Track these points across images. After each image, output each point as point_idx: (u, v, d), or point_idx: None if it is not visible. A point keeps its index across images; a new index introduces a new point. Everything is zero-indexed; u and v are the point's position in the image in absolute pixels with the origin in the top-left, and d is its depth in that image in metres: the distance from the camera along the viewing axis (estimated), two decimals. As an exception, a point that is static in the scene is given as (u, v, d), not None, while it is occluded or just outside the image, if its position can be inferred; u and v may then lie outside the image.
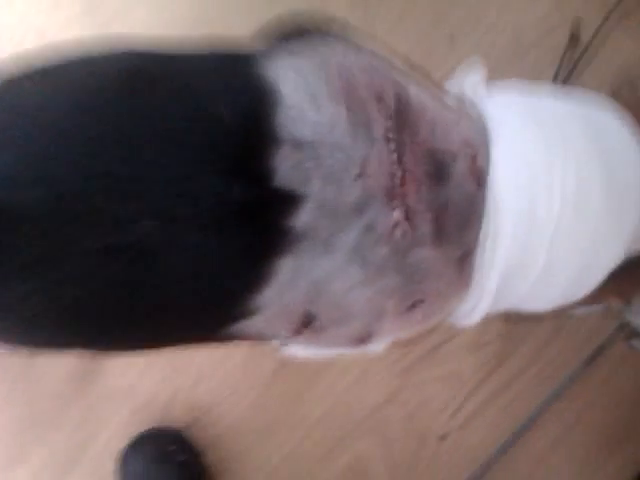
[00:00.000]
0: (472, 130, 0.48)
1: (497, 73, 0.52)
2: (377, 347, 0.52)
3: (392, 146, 0.41)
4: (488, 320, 0.96)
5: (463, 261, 0.47)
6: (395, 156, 0.41)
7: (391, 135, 0.41)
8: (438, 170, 0.44)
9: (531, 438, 1.03)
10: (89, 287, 0.36)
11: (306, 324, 0.44)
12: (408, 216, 0.42)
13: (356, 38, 0.47)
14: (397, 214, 0.41)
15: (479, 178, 0.47)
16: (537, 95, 0.55)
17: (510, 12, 0.95)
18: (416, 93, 0.45)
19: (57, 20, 0.86)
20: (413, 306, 0.46)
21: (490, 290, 0.49)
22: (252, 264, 0.39)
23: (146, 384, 0.92)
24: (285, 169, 0.38)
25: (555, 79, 0.97)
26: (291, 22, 0.48)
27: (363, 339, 0.47)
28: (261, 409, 0.95)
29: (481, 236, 0.47)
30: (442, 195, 0.44)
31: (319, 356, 0.53)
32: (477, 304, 0.51)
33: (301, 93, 0.40)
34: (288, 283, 0.40)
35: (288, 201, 0.38)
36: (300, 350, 0.51)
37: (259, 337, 0.45)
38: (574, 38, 0.95)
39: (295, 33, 0.46)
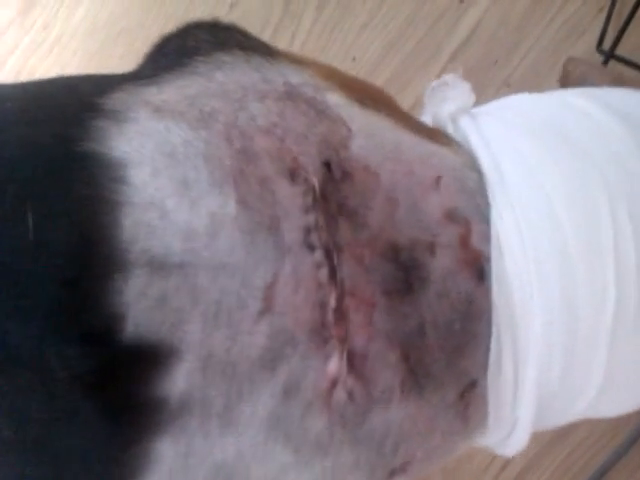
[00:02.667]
0: (459, 188, 0.31)
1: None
2: None
3: (318, 256, 0.26)
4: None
5: (465, 404, 0.31)
6: (325, 272, 0.26)
7: (316, 237, 0.25)
8: (404, 276, 0.28)
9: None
10: None
11: None
12: (354, 367, 0.26)
13: (276, 60, 0.30)
14: (333, 366, 0.26)
15: (478, 268, 0.30)
16: (555, 103, 0.37)
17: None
18: (365, 144, 0.28)
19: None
20: (392, 474, 0.30)
21: (525, 418, 0.32)
22: (117, 447, 0.25)
23: None
24: (140, 311, 0.23)
25: (600, 46, 0.76)
26: (184, 33, 0.32)
27: None
28: None
29: (492, 354, 0.30)
30: (414, 316, 0.28)
31: None
32: (511, 433, 0.34)
33: (164, 179, 0.24)
34: (178, 468, 0.26)
35: (151, 361, 0.24)
36: None
37: None
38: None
39: (179, 52, 0.30)
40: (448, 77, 0.36)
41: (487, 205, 0.31)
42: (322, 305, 0.26)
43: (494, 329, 0.30)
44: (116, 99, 0.27)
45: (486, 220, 0.30)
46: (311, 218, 0.25)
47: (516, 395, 0.32)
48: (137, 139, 0.25)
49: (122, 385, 0.24)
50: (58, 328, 0.23)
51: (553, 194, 0.31)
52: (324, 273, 0.26)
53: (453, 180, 0.31)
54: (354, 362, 0.26)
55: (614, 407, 0.38)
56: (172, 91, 0.28)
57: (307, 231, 0.25)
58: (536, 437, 0.35)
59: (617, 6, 0.75)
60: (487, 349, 0.30)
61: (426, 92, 0.35)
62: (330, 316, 0.26)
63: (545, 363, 0.31)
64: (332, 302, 0.26)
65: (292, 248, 0.25)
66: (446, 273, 0.29)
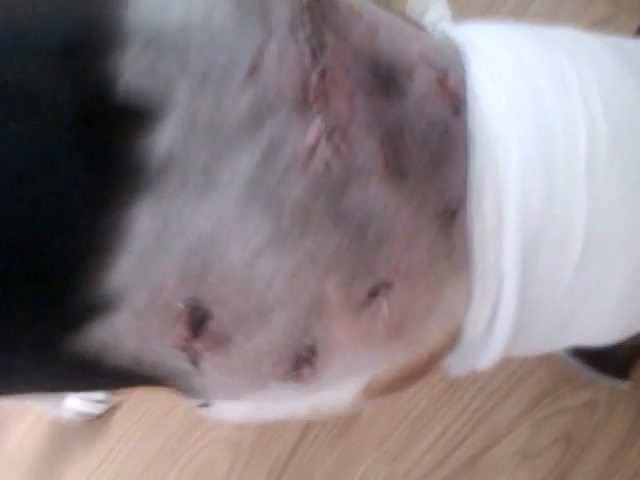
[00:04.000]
0: (436, 49, 0.34)
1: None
2: (343, 393, 0.34)
3: (303, 45, 0.28)
4: (540, 421, 0.75)
5: (449, 221, 0.31)
6: (309, 59, 0.28)
7: (302, 32, 0.28)
8: (384, 87, 0.30)
9: None
10: None
11: (196, 327, 0.28)
12: (334, 137, 0.28)
13: None
14: (314, 130, 0.27)
15: (454, 104, 0.32)
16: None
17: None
18: None
19: None
20: (374, 293, 0.30)
21: (510, 272, 0.32)
22: (91, 210, 0.25)
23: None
24: (134, 73, 0.26)
25: None
26: None
27: (302, 361, 0.30)
28: None
29: (474, 184, 0.32)
30: (392, 112, 0.30)
31: (258, 417, 0.36)
32: (495, 312, 0.34)
33: None
34: (153, 245, 0.26)
35: (138, 116, 0.26)
36: (228, 409, 0.35)
37: (146, 370, 0.30)
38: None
39: None
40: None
41: (463, 66, 0.34)
42: (304, 83, 0.28)
43: (473, 159, 0.32)
44: None
45: (462, 74, 0.34)
46: (297, 11, 0.29)
47: (500, 235, 0.32)
48: None
49: (106, 139, 0.25)
50: (56, 70, 0.25)
51: (525, 56, 0.35)
52: (307, 60, 0.28)
53: (430, 46, 0.34)
54: (333, 136, 0.28)
55: (604, 323, 0.37)
56: None
57: (294, 26, 0.28)
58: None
59: None
60: (465, 180, 0.32)
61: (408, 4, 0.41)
62: (312, 93, 0.28)
63: (525, 200, 0.32)
64: (314, 80, 0.28)
65: (279, 32, 0.28)
66: (423, 97, 0.31)
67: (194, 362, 0.30)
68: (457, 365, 0.40)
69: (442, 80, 0.33)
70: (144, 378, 0.31)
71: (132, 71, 0.25)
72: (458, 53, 0.35)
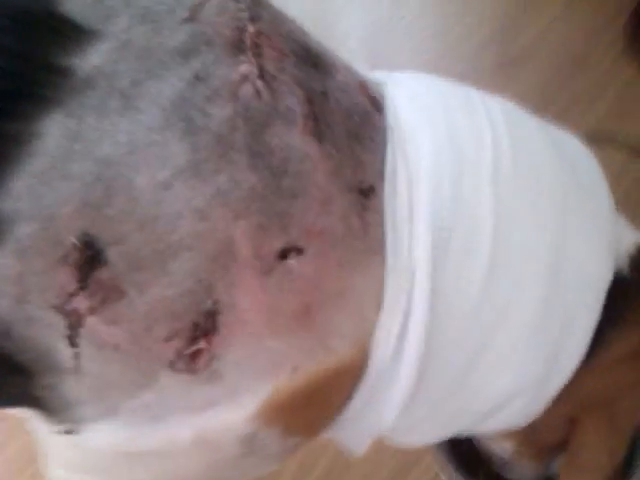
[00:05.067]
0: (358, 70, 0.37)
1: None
2: (235, 411, 0.31)
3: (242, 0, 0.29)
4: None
5: (363, 203, 0.32)
6: (246, 11, 0.29)
7: None
8: (312, 59, 0.32)
9: None
10: None
11: (85, 272, 0.26)
12: (264, 77, 0.28)
13: None
14: (245, 67, 0.28)
15: (373, 101, 0.35)
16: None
17: None
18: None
19: None
20: (284, 254, 0.29)
21: (421, 267, 0.33)
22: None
23: None
24: (80, 3, 0.26)
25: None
26: None
27: (201, 333, 0.28)
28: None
29: (388, 175, 0.33)
30: (319, 82, 0.31)
31: (135, 447, 0.31)
32: (406, 323, 0.33)
33: None
34: (54, 166, 0.24)
35: (74, 32, 0.25)
36: (99, 436, 0.30)
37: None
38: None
39: None
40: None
41: (383, 87, 0.38)
42: (241, 30, 0.28)
43: (389, 145, 0.34)
44: None
45: (381, 91, 0.37)
46: None
47: (412, 226, 0.33)
48: None
49: (34, 44, 0.24)
50: None
51: (439, 85, 0.40)
52: (245, 16, 0.29)
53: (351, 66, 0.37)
54: (264, 75, 0.28)
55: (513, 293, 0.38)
56: None
57: None
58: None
59: None
60: (380, 171, 0.33)
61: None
62: (247, 40, 0.28)
63: (435, 197, 0.34)
64: (251, 30, 0.29)
65: None
66: (347, 84, 0.33)
67: (73, 335, 0.26)
68: (354, 431, 0.38)
69: (362, 85, 0.35)
70: (7, 366, 0.27)
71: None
72: (379, 83, 0.38)
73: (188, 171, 0.26)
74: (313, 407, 0.34)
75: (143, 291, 0.26)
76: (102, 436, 0.30)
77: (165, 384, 0.29)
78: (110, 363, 0.27)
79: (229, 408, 0.31)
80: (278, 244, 0.29)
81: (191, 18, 0.27)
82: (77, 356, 0.27)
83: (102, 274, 0.25)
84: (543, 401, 0.40)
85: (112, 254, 0.25)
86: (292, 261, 0.29)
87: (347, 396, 0.35)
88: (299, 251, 0.29)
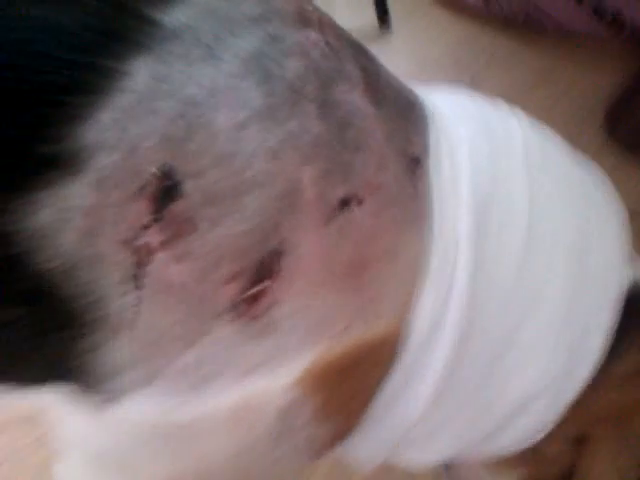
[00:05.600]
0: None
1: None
2: (277, 379, 0.31)
3: None
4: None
5: (412, 169, 0.34)
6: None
7: None
8: (362, 47, 0.35)
9: None
10: None
11: (161, 202, 0.26)
12: (330, 44, 0.31)
13: None
14: (314, 35, 0.31)
15: (412, 92, 0.39)
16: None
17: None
18: None
19: None
20: (346, 202, 0.30)
21: (465, 236, 0.34)
22: (94, 47, 0.25)
23: None
24: None
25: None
26: None
27: (265, 272, 0.28)
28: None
29: (431, 149, 0.36)
30: (371, 64, 0.34)
31: (173, 420, 0.30)
32: (449, 293, 0.34)
33: None
34: (140, 103, 0.25)
35: None
36: (137, 407, 0.29)
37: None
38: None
39: None
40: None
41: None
42: (303, 11, 0.31)
43: (431, 126, 0.37)
44: None
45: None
46: None
47: (456, 193, 0.35)
48: None
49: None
50: None
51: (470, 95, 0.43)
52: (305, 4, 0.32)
53: None
54: (329, 45, 0.31)
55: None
56: None
57: None
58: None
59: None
60: (426, 140, 0.36)
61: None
62: (310, 17, 0.31)
63: (475, 171, 0.36)
64: (311, 9, 0.32)
65: None
66: (391, 75, 0.37)
67: (139, 274, 0.26)
68: (376, 434, 0.37)
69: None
70: (54, 318, 0.26)
71: None
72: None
73: (263, 114, 0.27)
74: (351, 382, 0.34)
75: (215, 225, 0.27)
76: (134, 409, 0.29)
77: (217, 337, 0.28)
78: (169, 310, 0.27)
79: (273, 372, 0.30)
80: (340, 192, 0.30)
81: None
82: (139, 301, 0.26)
83: (177, 206, 0.26)
84: (558, 408, 0.40)
85: (189, 187, 0.26)
86: (353, 210, 0.30)
87: (384, 374, 0.35)
88: (359, 201, 0.30)
